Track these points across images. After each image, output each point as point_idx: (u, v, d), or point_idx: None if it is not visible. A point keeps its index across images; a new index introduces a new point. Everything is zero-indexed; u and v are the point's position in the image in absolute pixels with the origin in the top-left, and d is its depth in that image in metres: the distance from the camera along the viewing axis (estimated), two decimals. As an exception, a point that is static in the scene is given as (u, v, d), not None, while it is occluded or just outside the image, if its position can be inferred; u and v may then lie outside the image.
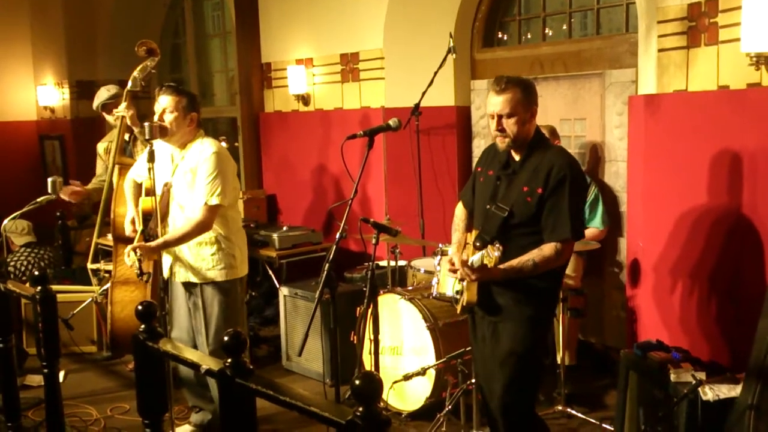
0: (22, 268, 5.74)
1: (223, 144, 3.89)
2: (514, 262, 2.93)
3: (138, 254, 3.54)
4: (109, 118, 5.20)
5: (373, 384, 1.68)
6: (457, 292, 3.17)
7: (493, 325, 3.09)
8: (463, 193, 3.36)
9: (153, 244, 3.64)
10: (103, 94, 5.21)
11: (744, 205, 3.65)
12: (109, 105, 5.14)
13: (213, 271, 3.73)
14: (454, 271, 3.04)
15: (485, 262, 2.84)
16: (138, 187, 3.99)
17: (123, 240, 4.36)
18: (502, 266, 2.91)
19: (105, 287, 4.74)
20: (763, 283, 3.47)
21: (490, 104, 3.03)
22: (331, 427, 1.79)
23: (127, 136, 4.96)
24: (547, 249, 2.92)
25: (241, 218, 3.97)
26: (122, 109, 4.75)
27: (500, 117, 2.98)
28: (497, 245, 2.84)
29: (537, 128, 3.07)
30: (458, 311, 3.25)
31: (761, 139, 3.52)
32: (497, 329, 3.07)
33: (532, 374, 3.12)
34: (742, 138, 3.62)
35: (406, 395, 4.14)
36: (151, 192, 3.61)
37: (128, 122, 4.77)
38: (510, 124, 2.98)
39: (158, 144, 3.73)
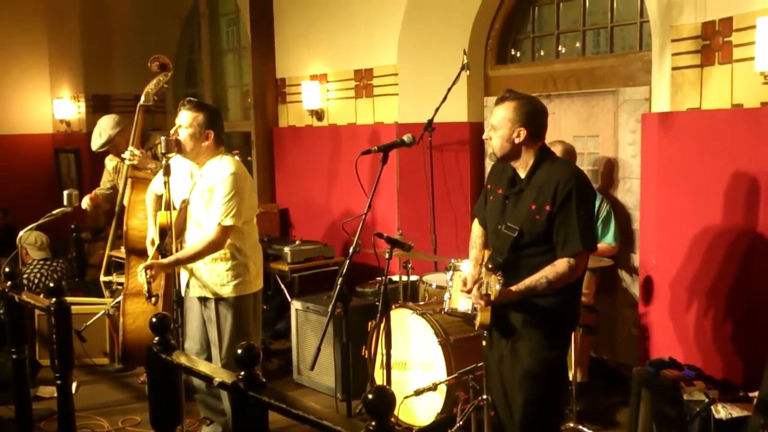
0: (35, 281, 5.78)
1: (236, 158, 3.89)
2: (528, 281, 2.91)
3: (148, 276, 3.55)
4: (109, 165, 5.16)
5: (385, 398, 1.69)
6: (474, 309, 3.16)
7: (511, 345, 3.07)
8: (476, 210, 3.36)
9: (165, 261, 3.65)
10: (95, 141, 4.97)
11: (758, 224, 3.64)
12: (107, 151, 5.03)
13: (227, 286, 3.75)
14: (468, 291, 3.04)
15: (488, 292, 2.82)
16: (159, 199, 3.99)
17: (136, 252, 4.38)
18: (514, 288, 2.91)
19: (117, 300, 4.75)
20: (777, 302, 3.45)
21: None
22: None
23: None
24: (561, 265, 2.91)
25: (257, 234, 3.96)
26: (129, 155, 4.54)
27: (492, 127, 3.02)
28: (498, 277, 2.83)
29: (543, 145, 3.05)
30: (476, 328, 3.24)
31: (775, 157, 3.51)
32: (516, 348, 3.06)
33: (553, 394, 3.09)
34: (756, 156, 3.61)
35: (416, 411, 4.13)
36: (167, 206, 3.63)
37: (138, 165, 4.51)
38: (495, 137, 3.00)
39: (178, 159, 3.77)
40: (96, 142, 4.99)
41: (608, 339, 4.94)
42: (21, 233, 4.74)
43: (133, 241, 4.35)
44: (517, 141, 2.96)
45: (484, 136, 3.06)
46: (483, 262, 3.17)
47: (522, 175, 3.05)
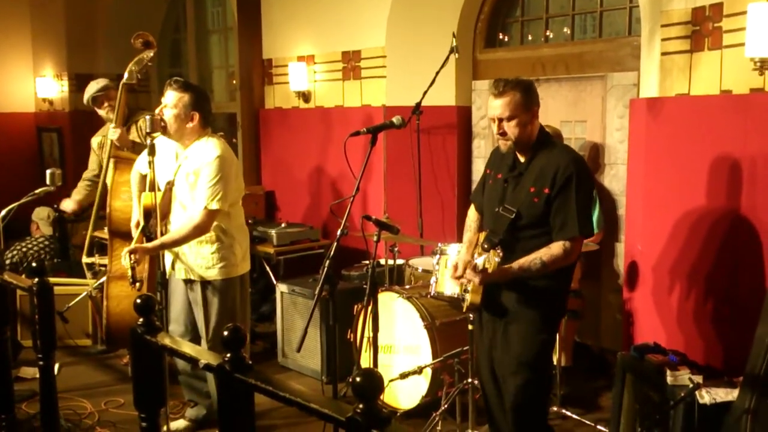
0: (35, 255, 5.82)
1: (222, 140, 3.84)
2: (522, 261, 2.93)
3: (132, 261, 3.50)
4: (100, 111, 5.16)
5: (373, 381, 1.67)
6: (465, 291, 3.16)
7: (503, 327, 3.08)
8: (474, 195, 3.38)
9: (150, 245, 3.61)
10: (92, 87, 5.14)
11: (743, 209, 3.65)
12: (100, 98, 5.09)
13: (213, 269, 3.71)
14: (459, 278, 3.03)
15: (486, 266, 2.85)
16: (143, 179, 3.94)
17: (119, 234, 4.32)
18: (508, 266, 2.91)
19: (100, 281, 4.71)
20: (761, 288, 3.47)
21: (490, 108, 3.03)
22: (328, 424, 1.79)
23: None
24: (556, 247, 2.93)
25: (243, 216, 3.92)
26: (110, 133, 4.71)
27: (501, 120, 2.98)
28: (498, 251, 2.85)
29: (541, 128, 3.07)
30: (464, 309, 3.25)
31: (763, 144, 3.52)
32: (507, 330, 3.07)
33: (544, 377, 3.13)
34: (744, 142, 3.62)
35: (401, 394, 4.13)
36: (152, 187, 3.58)
37: (117, 144, 4.73)
38: (511, 127, 2.98)
39: (164, 139, 3.71)
40: (93, 88, 5.09)
41: (593, 324, 4.96)
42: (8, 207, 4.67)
43: (117, 223, 4.29)
44: (531, 124, 3.00)
45: (497, 132, 3.02)
46: (477, 244, 3.18)
47: (522, 159, 3.06)
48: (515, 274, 2.93)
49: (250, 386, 1.96)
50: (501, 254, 2.89)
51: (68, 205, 5.44)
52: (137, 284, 3.60)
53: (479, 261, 2.91)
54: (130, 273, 3.54)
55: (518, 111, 2.96)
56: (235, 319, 3.71)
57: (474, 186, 4.88)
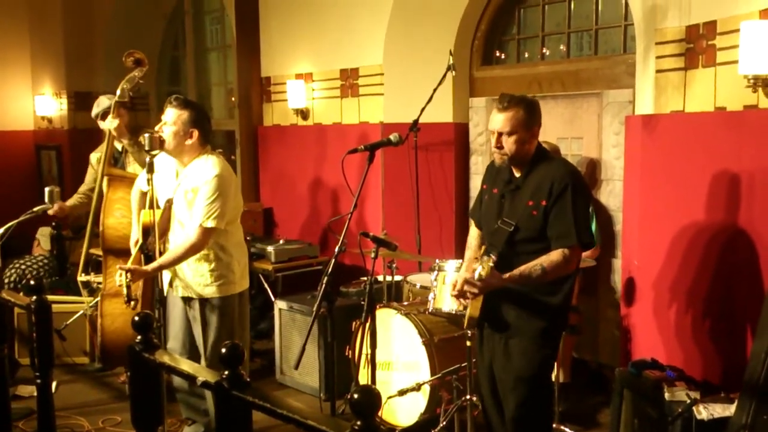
0: (34, 273, 5.82)
1: (221, 157, 3.85)
2: (522, 267, 2.93)
3: (128, 279, 3.50)
4: (102, 124, 5.18)
5: (371, 398, 1.68)
6: (464, 308, 3.16)
7: (504, 342, 3.08)
8: (472, 212, 3.40)
9: (148, 268, 3.61)
10: (104, 102, 5.10)
11: (739, 225, 3.67)
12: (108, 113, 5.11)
13: (211, 287, 3.71)
14: (458, 295, 3.03)
15: (481, 273, 2.85)
16: (144, 196, 3.93)
17: (113, 252, 4.31)
18: (508, 274, 2.92)
19: (96, 300, 4.70)
20: (758, 302, 3.47)
21: (492, 121, 3.05)
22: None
23: (120, 147, 4.95)
24: (555, 254, 2.93)
25: (242, 233, 3.92)
26: (108, 122, 4.73)
27: (500, 134, 3.01)
28: (492, 256, 2.87)
29: (539, 144, 3.09)
30: (465, 326, 3.25)
31: (757, 160, 3.54)
32: (508, 345, 3.07)
33: (545, 393, 3.13)
34: (739, 159, 3.64)
35: (400, 411, 4.12)
36: (151, 204, 3.59)
37: (114, 134, 4.74)
38: (509, 143, 3.00)
39: (165, 157, 3.73)
40: (104, 104, 4.98)
41: (590, 340, 4.96)
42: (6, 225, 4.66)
43: (110, 241, 4.28)
44: (530, 142, 3.02)
45: (494, 145, 3.04)
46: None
47: (518, 174, 3.08)
48: (515, 281, 2.93)
49: (248, 403, 1.96)
50: (495, 259, 2.89)
51: (56, 206, 5.25)
52: (132, 303, 3.58)
53: (476, 273, 2.92)
54: (125, 291, 3.53)
55: (519, 128, 2.99)
56: (233, 337, 3.70)
57: (471, 202, 4.90)
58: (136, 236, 3.88)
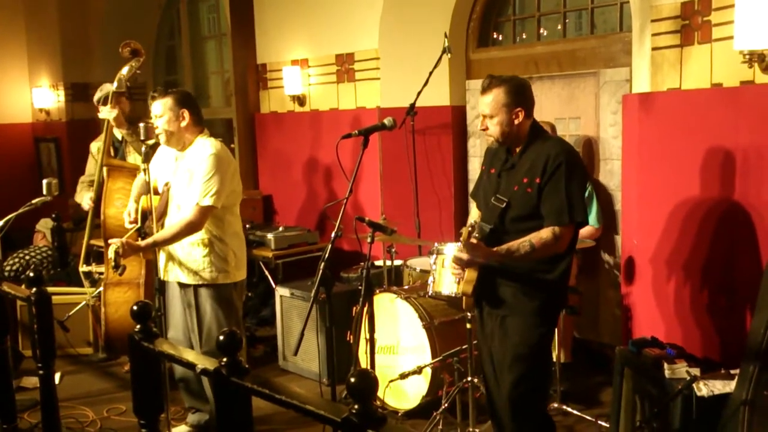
0: (37, 263, 5.86)
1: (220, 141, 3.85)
2: (511, 243, 2.94)
3: (117, 246, 3.48)
4: (101, 113, 5.15)
5: (368, 381, 1.69)
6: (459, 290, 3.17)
7: (500, 320, 3.09)
8: (473, 193, 3.40)
9: (142, 243, 3.62)
10: (107, 87, 5.02)
11: (736, 200, 3.67)
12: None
13: (204, 273, 3.71)
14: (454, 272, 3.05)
15: (461, 238, 2.88)
16: (145, 183, 3.93)
17: None
18: (497, 248, 2.93)
19: (98, 290, 4.72)
20: (756, 278, 3.47)
21: (478, 103, 3.06)
22: (327, 426, 1.80)
23: (120, 136, 4.95)
24: (545, 232, 2.93)
25: (240, 223, 3.91)
26: (106, 112, 4.73)
27: (484, 117, 3.02)
28: (469, 228, 2.91)
29: (535, 122, 3.08)
30: (463, 306, 3.26)
31: (754, 136, 3.53)
32: (505, 323, 3.08)
33: (541, 371, 3.13)
34: (735, 135, 3.63)
35: (402, 394, 4.15)
36: (149, 191, 3.60)
37: (113, 124, 4.74)
38: (492, 125, 3.01)
39: (164, 147, 3.74)
40: (108, 87, 4.94)
41: (591, 320, 4.97)
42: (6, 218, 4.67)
43: (111, 231, 4.30)
44: (516, 122, 3.00)
45: (480, 128, 3.07)
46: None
47: (514, 153, 3.09)
48: (503, 255, 2.94)
49: (247, 390, 1.97)
50: (473, 224, 2.95)
51: (86, 201, 5.20)
52: (119, 270, 3.54)
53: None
54: (112, 257, 3.47)
55: (498, 110, 2.98)
56: (224, 326, 3.66)
57: (471, 185, 4.90)
58: (130, 210, 3.82)
